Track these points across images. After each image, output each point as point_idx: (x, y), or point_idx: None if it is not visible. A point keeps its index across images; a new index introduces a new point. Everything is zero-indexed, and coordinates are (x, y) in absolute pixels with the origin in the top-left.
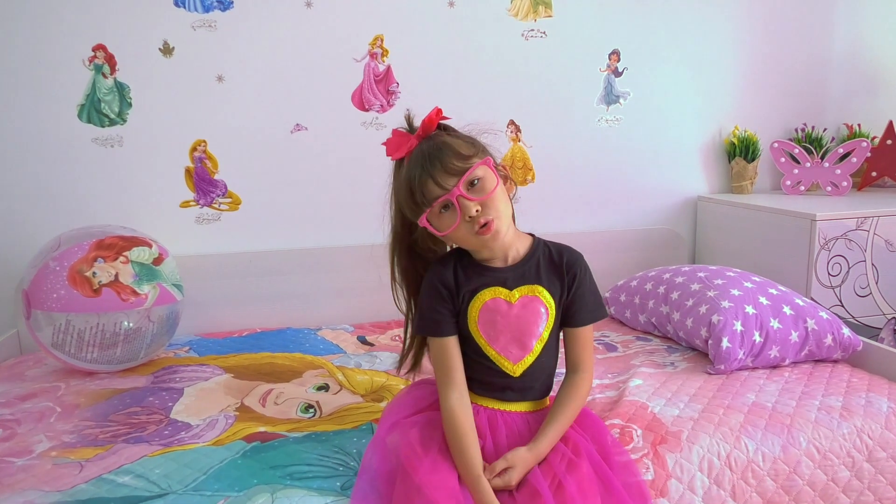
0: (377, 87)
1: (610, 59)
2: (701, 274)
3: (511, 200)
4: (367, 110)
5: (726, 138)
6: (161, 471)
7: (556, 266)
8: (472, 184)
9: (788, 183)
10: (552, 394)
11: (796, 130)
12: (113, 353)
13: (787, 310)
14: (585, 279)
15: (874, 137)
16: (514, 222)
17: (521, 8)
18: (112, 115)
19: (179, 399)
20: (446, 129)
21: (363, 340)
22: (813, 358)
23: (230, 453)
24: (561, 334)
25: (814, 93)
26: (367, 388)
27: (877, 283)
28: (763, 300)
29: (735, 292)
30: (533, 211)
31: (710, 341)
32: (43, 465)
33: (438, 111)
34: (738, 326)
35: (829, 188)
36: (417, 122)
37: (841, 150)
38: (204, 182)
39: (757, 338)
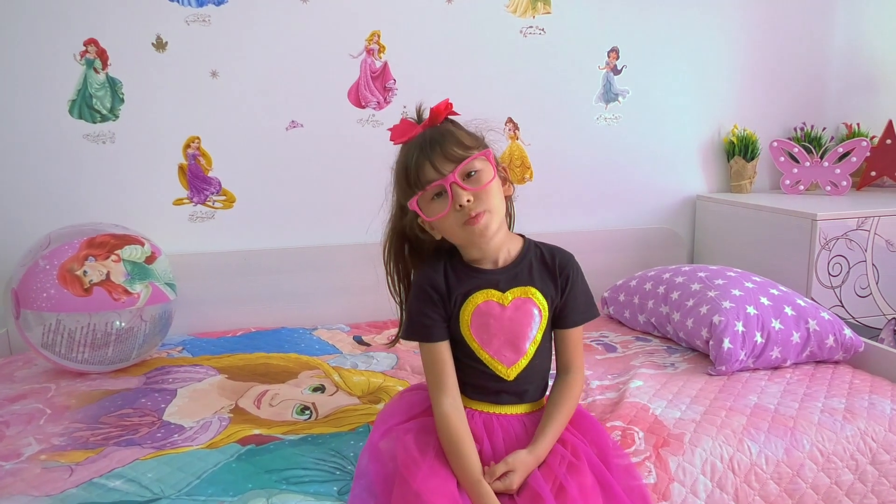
0: (374, 84)
1: (609, 57)
2: (701, 274)
3: (508, 202)
4: (363, 107)
5: (725, 137)
6: (153, 475)
7: (548, 267)
8: (468, 175)
9: (788, 182)
10: (548, 394)
11: (795, 129)
12: (104, 354)
13: (788, 310)
14: (578, 280)
15: (873, 137)
16: (508, 224)
17: (520, 4)
18: (104, 111)
19: (172, 400)
20: (453, 122)
21: (359, 340)
22: (814, 359)
23: (224, 457)
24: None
25: (813, 92)
26: (364, 389)
27: (877, 284)
28: (764, 301)
29: (736, 293)
30: (531, 209)
31: (711, 342)
32: (32, 469)
33: (448, 104)
34: (740, 327)
35: (828, 188)
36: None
37: (840, 150)
38: (198, 179)
39: (758, 339)
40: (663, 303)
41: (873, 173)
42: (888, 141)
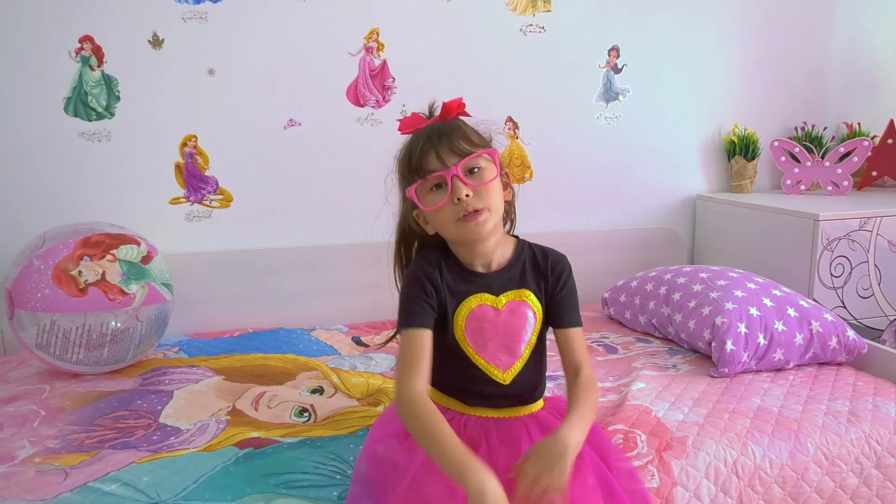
0: (373, 83)
1: (609, 56)
2: (703, 275)
3: (509, 206)
4: (362, 106)
5: (726, 136)
6: (149, 479)
7: (540, 268)
8: (471, 171)
9: (789, 182)
10: (547, 395)
11: (796, 129)
12: (100, 354)
13: (791, 312)
14: (570, 281)
15: (874, 136)
16: (509, 228)
17: (520, 2)
18: (99, 109)
19: (169, 402)
20: (462, 121)
21: (358, 341)
22: (817, 361)
23: (222, 460)
24: (550, 337)
25: (814, 91)
26: (363, 391)
27: (879, 285)
28: (767, 302)
29: (738, 294)
30: (530, 209)
31: (713, 344)
32: (26, 472)
33: (462, 103)
34: (743, 329)
35: (829, 188)
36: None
37: (842, 149)
38: (194, 178)
39: (761, 340)
40: (665, 304)
41: (874, 173)
42: (889, 141)
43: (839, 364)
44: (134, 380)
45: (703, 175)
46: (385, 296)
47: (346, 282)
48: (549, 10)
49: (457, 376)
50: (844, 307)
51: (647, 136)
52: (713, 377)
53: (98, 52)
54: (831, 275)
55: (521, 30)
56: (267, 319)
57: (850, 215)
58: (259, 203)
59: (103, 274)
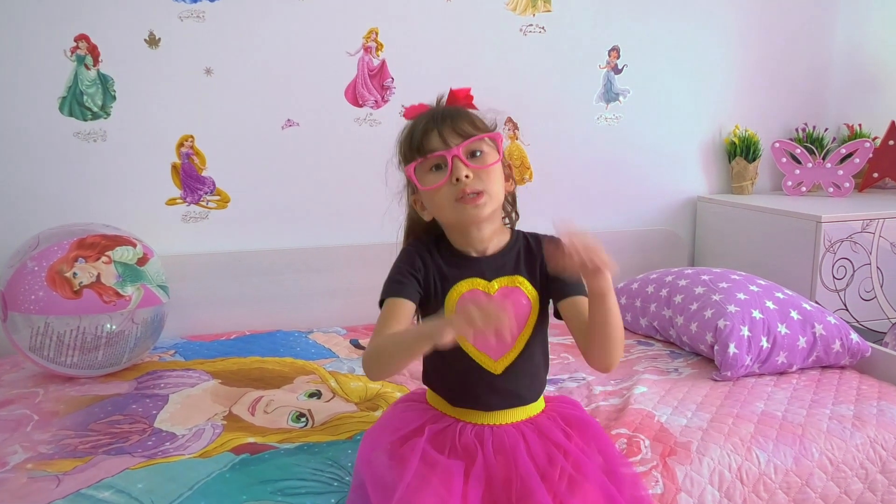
0: (371, 83)
1: (609, 56)
2: (705, 277)
3: (511, 201)
4: (360, 106)
5: (727, 138)
6: (144, 485)
7: (533, 252)
8: (473, 154)
9: (790, 183)
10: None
11: (797, 130)
12: (94, 357)
13: (794, 314)
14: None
15: (875, 138)
16: (512, 224)
17: (520, 2)
18: (95, 109)
19: (164, 407)
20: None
21: (356, 344)
22: (820, 364)
23: (218, 466)
24: (552, 340)
25: (814, 92)
26: (361, 395)
27: (882, 287)
28: (770, 304)
29: (741, 296)
30: (530, 210)
31: (715, 347)
32: (18, 478)
33: (469, 94)
34: (745, 332)
35: (830, 189)
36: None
37: (843, 151)
38: (191, 179)
39: (764, 343)
40: (666, 306)
41: (875, 175)
42: (891, 142)
43: (842, 367)
44: (129, 383)
45: (703, 176)
46: None
47: (345, 283)
48: (549, 11)
49: (447, 369)
50: (847, 310)
51: (647, 137)
52: (716, 381)
53: (94, 51)
54: (833, 277)
55: (520, 30)
56: (264, 322)
57: (853, 217)
58: (256, 204)
59: (98, 276)
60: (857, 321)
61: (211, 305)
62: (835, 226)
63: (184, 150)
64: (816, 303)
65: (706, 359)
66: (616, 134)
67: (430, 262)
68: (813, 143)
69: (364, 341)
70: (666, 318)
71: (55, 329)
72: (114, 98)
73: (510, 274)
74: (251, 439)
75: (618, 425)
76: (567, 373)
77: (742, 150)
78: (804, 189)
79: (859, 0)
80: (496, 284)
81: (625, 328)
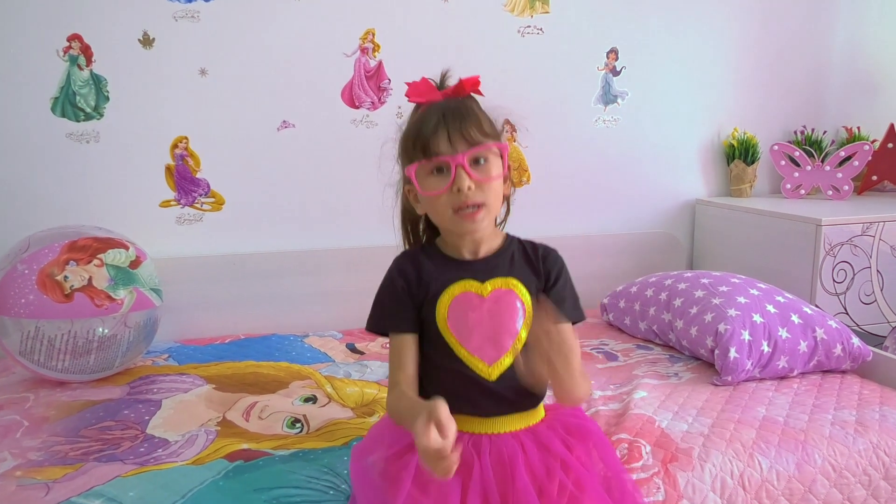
0: (368, 84)
1: (608, 58)
2: (704, 280)
3: (505, 201)
4: (357, 107)
5: (725, 140)
6: (135, 493)
7: (530, 259)
8: (476, 161)
9: (789, 186)
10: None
11: (796, 133)
12: (86, 362)
13: (795, 318)
14: (563, 274)
15: (874, 140)
16: (503, 223)
17: (518, 4)
18: (88, 110)
19: (157, 412)
20: (476, 101)
21: (352, 348)
22: (821, 368)
23: (211, 473)
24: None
25: (813, 95)
26: (357, 401)
27: (882, 291)
28: (770, 308)
29: (741, 300)
30: (527, 213)
31: (716, 351)
32: (6, 486)
33: (477, 81)
34: (746, 336)
35: (829, 192)
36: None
37: (843, 153)
38: (185, 181)
39: (765, 348)
40: (665, 310)
41: (874, 177)
42: (890, 145)
43: (843, 372)
44: (121, 388)
45: (702, 179)
46: None
47: (341, 287)
48: (547, 12)
49: (441, 376)
50: (847, 313)
51: (645, 139)
52: (716, 385)
53: (87, 51)
54: (833, 281)
55: (518, 31)
56: (259, 325)
57: (853, 220)
58: (251, 206)
59: (90, 279)
60: (858, 325)
61: (205, 309)
62: (835, 229)
63: (178, 151)
64: (817, 306)
65: (706, 363)
66: (614, 136)
67: (416, 273)
68: (812, 145)
69: (360, 345)
70: (665, 321)
71: (46, 333)
72: (107, 99)
73: (504, 276)
74: (245, 446)
75: (618, 430)
76: None
77: (741, 153)
78: (803, 192)
79: (858, 2)
80: (489, 286)
81: (624, 332)
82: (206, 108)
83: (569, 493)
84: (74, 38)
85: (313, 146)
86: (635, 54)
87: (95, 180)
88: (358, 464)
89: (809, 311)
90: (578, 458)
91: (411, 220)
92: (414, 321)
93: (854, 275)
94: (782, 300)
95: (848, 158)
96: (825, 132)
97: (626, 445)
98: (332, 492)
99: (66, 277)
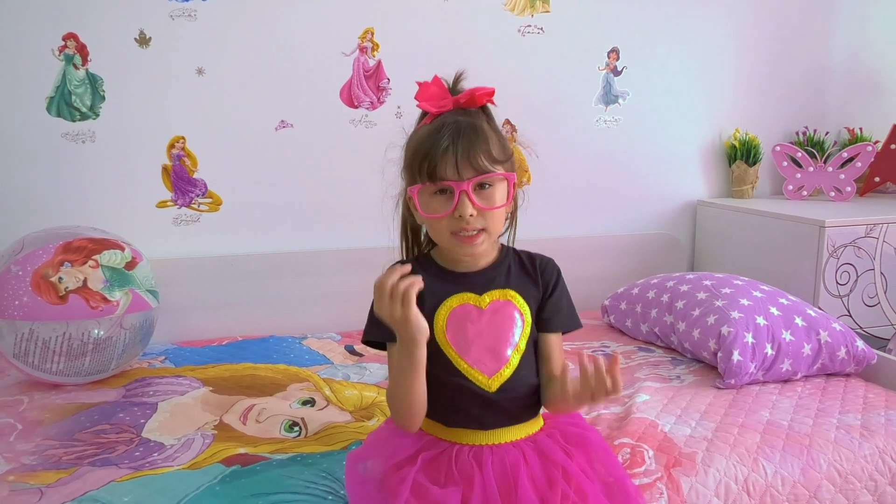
0: (367, 83)
1: (609, 58)
2: (707, 282)
3: (507, 219)
4: (356, 107)
5: (727, 141)
6: (130, 498)
7: (527, 270)
8: (482, 185)
9: (791, 187)
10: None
11: (798, 134)
12: (81, 364)
13: (799, 321)
14: (560, 284)
15: (876, 142)
16: (510, 237)
17: (518, 3)
18: (83, 109)
19: (153, 415)
20: (488, 117)
21: (351, 350)
22: (825, 371)
23: (207, 478)
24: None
25: (815, 95)
26: (356, 404)
27: (885, 293)
28: (774, 311)
29: (744, 302)
30: (527, 214)
31: (719, 354)
32: None
33: (492, 92)
34: (749, 338)
35: (832, 193)
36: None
37: (845, 154)
38: (182, 181)
39: (769, 350)
40: (667, 312)
41: (877, 179)
42: (892, 146)
43: (847, 375)
44: (117, 391)
45: (703, 180)
46: None
47: (340, 288)
48: (547, 11)
49: (440, 389)
50: (850, 316)
51: (646, 140)
52: (719, 388)
53: (83, 51)
54: (837, 283)
55: (519, 31)
56: (257, 327)
57: (856, 222)
58: (249, 207)
59: (84, 280)
60: (861, 327)
61: (202, 310)
62: (838, 230)
63: (175, 151)
64: (820, 309)
65: (708, 366)
66: (615, 137)
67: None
68: (814, 146)
69: (359, 347)
70: (667, 324)
71: (40, 335)
72: (103, 98)
73: (501, 287)
74: (242, 450)
75: (620, 435)
76: None
77: (742, 154)
78: (805, 193)
79: (860, 3)
80: (487, 298)
81: (625, 334)
82: (204, 107)
83: (571, 502)
84: (70, 36)
85: (312, 146)
86: (636, 54)
87: (91, 180)
88: (354, 472)
89: (813, 314)
90: (579, 466)
91: (412, 227)
92: None
93: (857, 277)
94: (786, 302)
95: (850, 159)
96: (827, 133)
97: (629, 450)
98: (330, 497)
99: (60, 279)
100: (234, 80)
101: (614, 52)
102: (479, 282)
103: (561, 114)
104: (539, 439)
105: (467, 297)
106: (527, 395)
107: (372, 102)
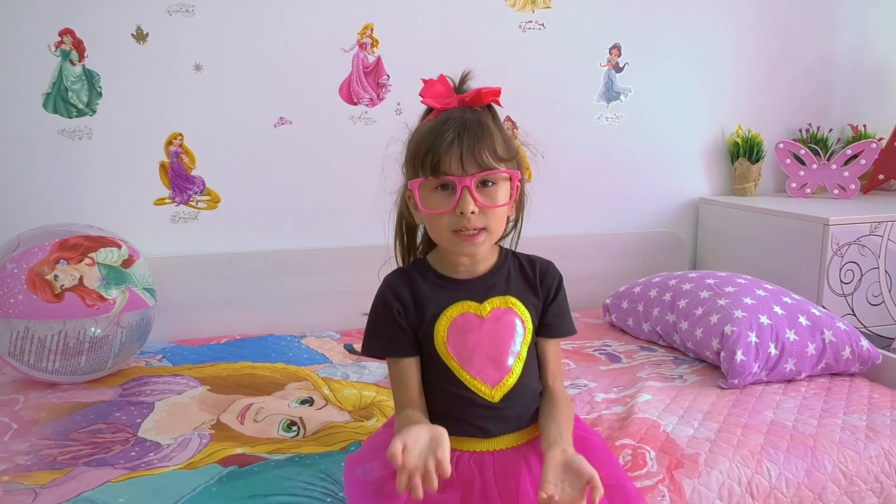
0: (366, 80)
1: (610, 54)
2: (710, 281)
3: (509, 223)
4: (355, 104)
5: (729, 138)
6: (125, 499)
7: (527, 276)
8: (484, 183)
9: (794, 185)
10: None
11: (801, 131)
12: (77, 363)
13: (803, 320)
14: (561, 289)
15: (880, 139)
16: (514, 240)
17: None
18: (80, 106)
19: (149, 415)
20: (494, 116)
21: (350, 349)
22: (829, 371)
23: (204, 479)
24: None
25: (819, 92)
26: (355, 403)
27: (890, 291)
28: (778, 310)
29: (748, 301)
30: (528, 212)
31: (722, 353)
32: None
33: (498, 92)
34: (753, 338)
35: (836, 191)
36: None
37: (849, 152)
38: (180, 178)
39: (772, 350)
40: (670, 311)
41: (881, 176)
42: None
43: (851, 375)
44: (114, 390)
45: (705, 177)
46: None
47: (339, 286)
48: (548, 7)
49: (443, 400)
50: (854, 315)
51: (648, 137)
52: (722, 388)
53: (79, 46)
54: (841, 281)
55: (520, 26)
56: (255, 326)
57: (861, 220)
58: (247, 204)
59: (81, 278)
60: (865, 326)
61: (200, 309)
62: (842, 228)
63: (172, 148)
64: (824, 307)
65: (711, 365)
66: (617, 134)
67: (411, 294)
68: (817, 143)
69: (358, 346)
70: (669, 322)
71: (36, 333)
72: (100, 94)
73: (501, 294)
74: (240, 450)
75: (622, 435)
76: (568, 380)
77: (745, 151)
78: (809, 191)
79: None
80: (488, 306)
81: (627, 333)
82: (202, 104)
83: None
84: (66, 32)
85: (311, 143)
86: (638, 50)
87: (88, 177)
88: (353, 475)
89: (817, 313)
90: None
91: (408, 228)
92: (413, 344)
93: (862, 275)
94: (789, 301)
95: (854, 157)
96: (831, 130)
97: (630, 452)
98: (329, 499)
99: (56, 277)
100: (233, 76)
101: (616, 49)
102: (480, 289)
103: (562, 111)
104: (539, 444)
105: (468, 306)
106: (530, 401)
107: (371, 99)
